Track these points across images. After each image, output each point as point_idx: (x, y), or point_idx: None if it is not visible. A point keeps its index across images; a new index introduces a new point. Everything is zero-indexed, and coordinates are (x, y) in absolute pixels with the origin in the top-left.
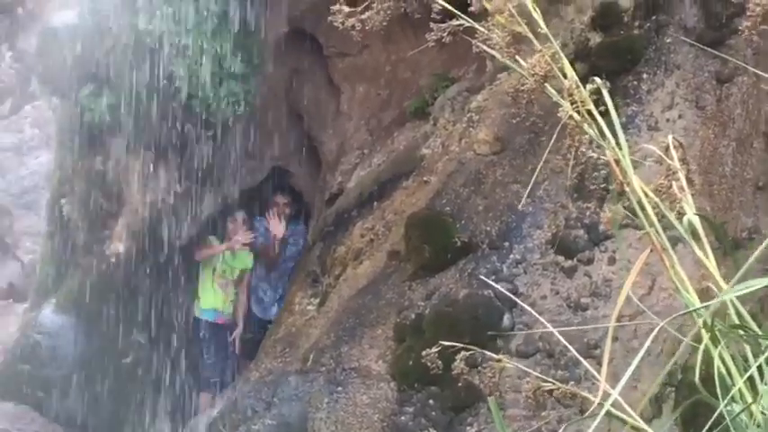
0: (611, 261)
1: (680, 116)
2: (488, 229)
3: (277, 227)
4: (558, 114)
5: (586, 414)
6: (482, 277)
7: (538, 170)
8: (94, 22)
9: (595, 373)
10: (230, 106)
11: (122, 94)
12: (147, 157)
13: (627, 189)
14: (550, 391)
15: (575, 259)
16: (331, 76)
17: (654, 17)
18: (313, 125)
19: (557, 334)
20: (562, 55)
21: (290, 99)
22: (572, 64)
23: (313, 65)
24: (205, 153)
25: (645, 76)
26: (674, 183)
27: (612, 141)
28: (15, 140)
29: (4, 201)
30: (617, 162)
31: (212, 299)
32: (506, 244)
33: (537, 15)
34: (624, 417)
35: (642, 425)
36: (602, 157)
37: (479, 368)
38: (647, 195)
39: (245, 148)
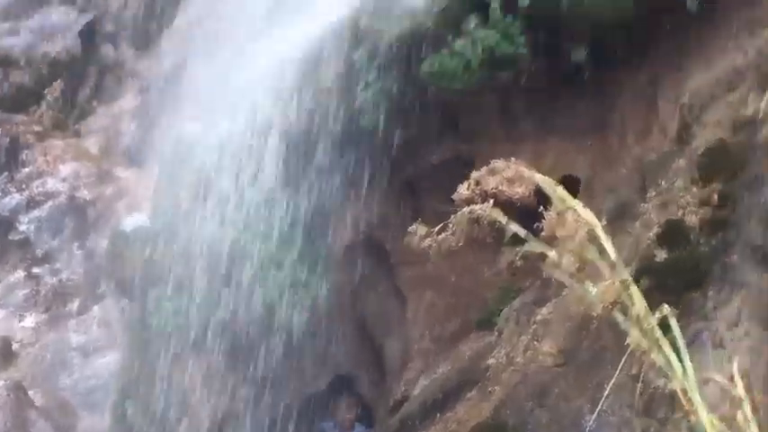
0: None
1: (746, 334)
2: None
3: None
4: (626, 343)
5: None
6: None
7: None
8: (164, 225)
9: None
10: (296, 313)
11: (189, 299)
12: (212, 362)
13: (692, 418)
14: None
15: None
16: (397, 284)
17: (720, 234)
18: (378, 332)
19: None
20: (631, 281)
21: (355, 305)
22: (637, 279)
23: (379, 272)
24: (269, 358)
25: (711, 293)
26: (739, 412)
27: (679, 371)
28: (82, 340)
29: (73, 400)
30: (684, 392)
31: None
32: None
33: (609, 246)
34: None
35: None
36: (668, 385)
37: None
38: (713, 424)
39: (309, 354)
